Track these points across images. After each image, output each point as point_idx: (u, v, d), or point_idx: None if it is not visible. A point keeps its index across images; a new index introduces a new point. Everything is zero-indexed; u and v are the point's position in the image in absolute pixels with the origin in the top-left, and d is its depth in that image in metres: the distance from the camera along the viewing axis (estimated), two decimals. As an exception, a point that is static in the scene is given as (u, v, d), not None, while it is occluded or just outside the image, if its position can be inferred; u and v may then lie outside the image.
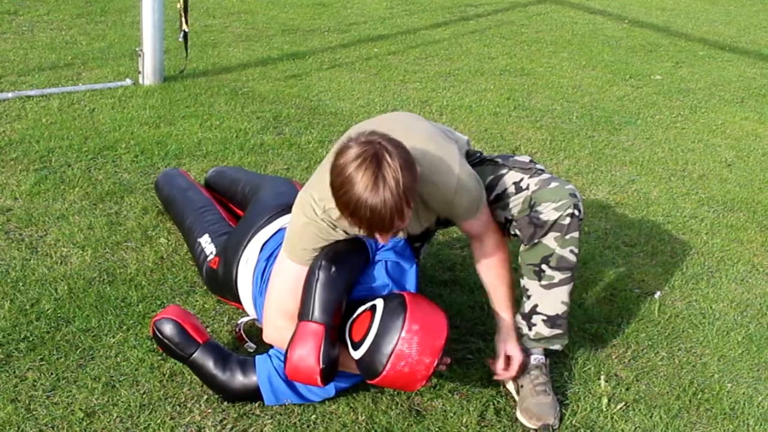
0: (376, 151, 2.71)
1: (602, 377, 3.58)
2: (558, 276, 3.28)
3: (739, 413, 3.48)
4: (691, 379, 3.67)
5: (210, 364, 3.24)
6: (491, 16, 11.00)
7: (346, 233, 3.13)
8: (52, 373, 3.29)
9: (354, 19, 10.01)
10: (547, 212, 3.17)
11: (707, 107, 7.73)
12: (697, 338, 3.98)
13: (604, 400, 3.44)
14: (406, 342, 2.91)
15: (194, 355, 3.25)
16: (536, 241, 3.23)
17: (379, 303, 3.05)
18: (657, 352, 3.84)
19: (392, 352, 2.91)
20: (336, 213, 2.94)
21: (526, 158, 3.44)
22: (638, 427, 3.34)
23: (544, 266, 3.27)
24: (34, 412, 3.09)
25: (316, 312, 3.02)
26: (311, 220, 3.04)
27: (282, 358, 3.18)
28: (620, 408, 3.43)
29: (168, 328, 3.26)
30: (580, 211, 3.20)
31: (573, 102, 7.49)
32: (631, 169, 5.98)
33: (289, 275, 3.19)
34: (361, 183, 2.69)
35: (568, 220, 3.17)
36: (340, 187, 2.75)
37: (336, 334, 3.08)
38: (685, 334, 4.01)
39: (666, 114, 7.41)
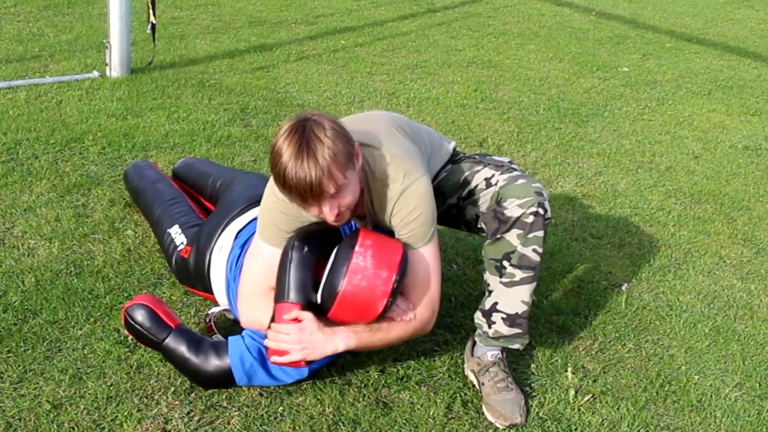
0: (304, 123, 2.78)
1: (569, 369, 3.60)
2: (519, 274, 3.26)
3: (707, 405, 3.50)
4: (658, 371, 3.69)
5: (183, 348, 3.23)
6: (458, 8, 11.02)
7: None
8: (19, 365, 3.28)
9: (321, 11, 10.00)
10: (512, 208, 3.16)
11: (674, 99, 7.77)
12: (664, 330, 4.00)
13: (571, 392, 3.45)
14: (360, 255, 2.96)
15: (167, 340, 3.25)
16: (499, 236, 3.22)
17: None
18: (624, 344, 3.86)
19: (348, 267, 2.95)
20: None
21: (505, 159, 3.46)
22: (605, 419, 3.35)
23: (505, 263, 3.25)
24: (0, 404, 3.07)
25: (292, 293, 3.04)
26: (280, 199, 3.03)
27: (255, 338, 3.21)
28: (587, 400, 3.44)
29: (140, 314, 3.26)
30: (545, 210, 3.18)
31: (540, 94, 7.51)
32: (598, 161, 6.01)
33: (261, 257, 3.20)
34: (287, 152, 2.75)
35: (531, 218, 3.15)
36: (272, 161, 2.81)
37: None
38: (653, 326, 4.02)
39: (633, 106, 7.44)
